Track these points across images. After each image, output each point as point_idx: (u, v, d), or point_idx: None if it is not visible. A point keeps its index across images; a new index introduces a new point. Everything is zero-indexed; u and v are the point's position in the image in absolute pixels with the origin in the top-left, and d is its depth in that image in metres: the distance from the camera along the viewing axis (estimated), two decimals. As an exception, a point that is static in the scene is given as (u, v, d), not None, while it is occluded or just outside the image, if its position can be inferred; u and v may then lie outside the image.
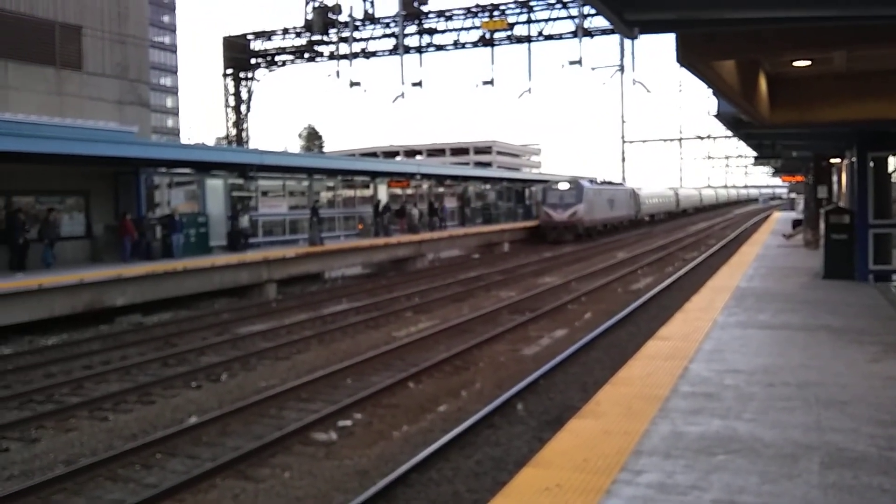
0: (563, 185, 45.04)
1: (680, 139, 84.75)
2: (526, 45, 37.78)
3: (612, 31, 36.42)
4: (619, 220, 53.23)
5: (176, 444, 9.19)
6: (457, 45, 39.08)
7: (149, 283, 20.01)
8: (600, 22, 36.78)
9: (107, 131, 23.73)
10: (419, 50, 38.99)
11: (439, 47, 39.31)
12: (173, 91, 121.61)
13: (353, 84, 38.24)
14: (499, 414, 9.97)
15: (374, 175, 35.56)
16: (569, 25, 36.98)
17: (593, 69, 64.41)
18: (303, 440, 9.24)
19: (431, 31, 38.99)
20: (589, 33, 36.70)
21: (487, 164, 71.02)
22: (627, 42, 36.40)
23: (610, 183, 55.06)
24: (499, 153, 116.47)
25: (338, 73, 38.04)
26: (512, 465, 8.16)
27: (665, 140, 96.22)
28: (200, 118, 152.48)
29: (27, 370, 13.70)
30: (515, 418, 9.91)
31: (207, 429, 9.74)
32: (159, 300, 20.40)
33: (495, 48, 37.96)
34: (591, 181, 49.42)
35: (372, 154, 77.72)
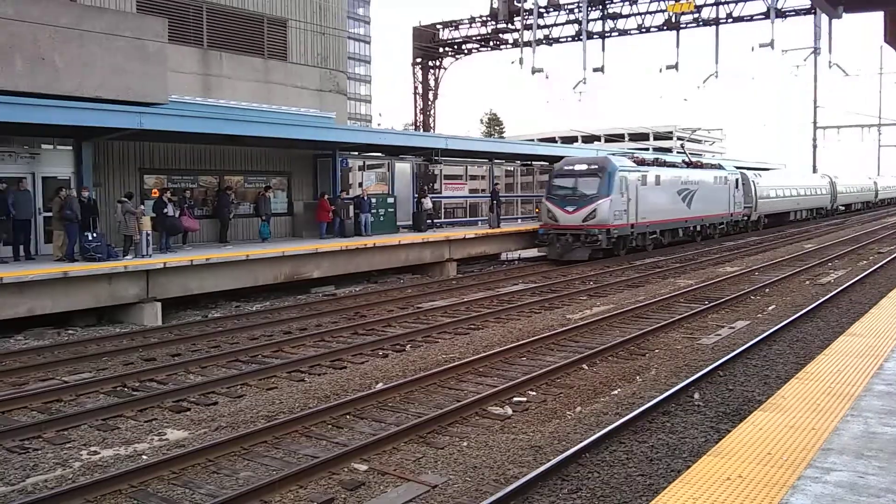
0: (581, 165, 27.83)
1: (879, 125, 76.96)
2: (713, 27, 36.22)
3: (807, 12, 34.05)
4: (710, 220, 34.97)
5: (364, 408, 9.86)
6: (641, 29, 38.14)
7: (342, 257, 21.42)
8: (794, 2, 34.53)
9: (308, 117, 25.46)
10: (602, 35, 38.44)
11: (622, 32, 38.53)
12: (366, 80, 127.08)
13: (535, 71, 38.33)
14: (674, 401, 9.86)
15: (552, 160, 35.57)
16: (759, 6, 35.05)
17: (784, 52, 59.48)
18: (480, 412, 9.61)
19: (615, 16, 38.30)
20: (782, 14, 34.54)
21: (668, 150, 68.43)
22: (823, 22, 33.77)
23: (694, 164, 35.19)
24: (679, 139, 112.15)
25: (521, 60, 38.22)
26: (687, 453, 8.09)
27: (862, 126, 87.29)
28: (390, 105, 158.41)
29: (234, 332, 15.15)
30: (691, 407, 9.76)
31: (392, 395, 10.37)
32: (350, 274, 21.78)
33: (681, 31, 36.64)
34: (639, 160, 30.44)
35: (551, 139, 77.24)
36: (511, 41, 42.60)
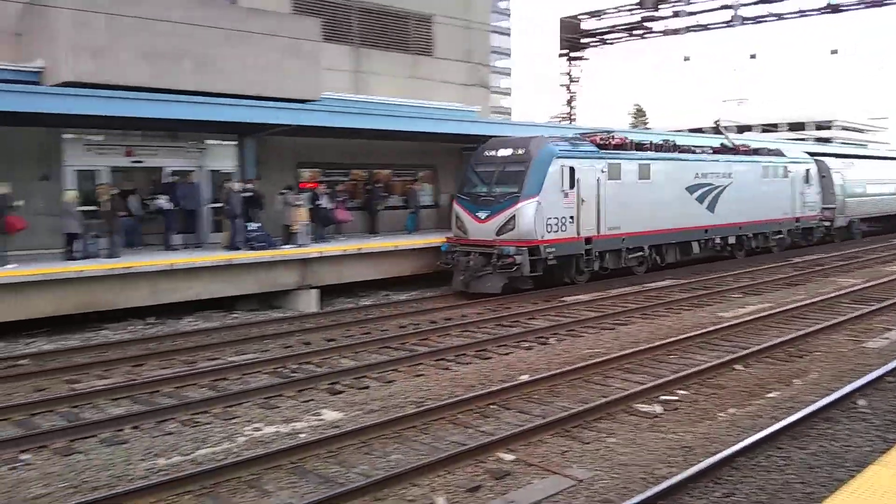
0: (505, 150, 19.15)
1: None
2: (879, 8, 33.59)
3: None
4: (754, 228, 25.60)
5: (509, 399, 9.96)
6: (799, 12, 35.89)
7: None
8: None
9: (453, 111, 25.84)
10: (756, 20, 36.52)
11: (779, 16, 36.35)
12: (506, 73, 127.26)
13: (685, 59, 37.05)
14: (837, 407, 9.33)
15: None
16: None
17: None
18: (627, 409, 9.48)
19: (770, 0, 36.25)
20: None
21: (827, 140, 64.06)
22: None
23: (731, 149, 25.87)
24: (842, 128, 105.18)
25: (669, 48, 36.97)
26: (850, 462, 7.66)
27: None
28: (530, 98, 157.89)
29: (383, 320, 15.67)
30: (856, 414, 9.20)
31: (537, 387, 10.41)
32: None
33: (843, 13, 34.23)
34: (604, 141, 20.54)
35: (698, 130, 74.46)
36: (659, 29, 41.35)
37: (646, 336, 13.77)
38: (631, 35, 43.23)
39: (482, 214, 18.40)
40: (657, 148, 22.14)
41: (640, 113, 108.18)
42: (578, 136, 20.88)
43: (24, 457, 8.20)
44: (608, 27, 43.93)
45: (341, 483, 7.29)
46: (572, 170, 18.70)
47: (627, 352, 12.14)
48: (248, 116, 17.74)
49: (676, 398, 9.96)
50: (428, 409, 9.36)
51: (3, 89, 14.59)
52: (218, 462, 7.84)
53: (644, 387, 10.16)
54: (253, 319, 16.17)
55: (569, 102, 45.65)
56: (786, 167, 27.46)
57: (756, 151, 26.90)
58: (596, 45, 44.90)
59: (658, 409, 9.55)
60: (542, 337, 13.78)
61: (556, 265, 18.57)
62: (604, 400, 9.63)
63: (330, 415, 9.56)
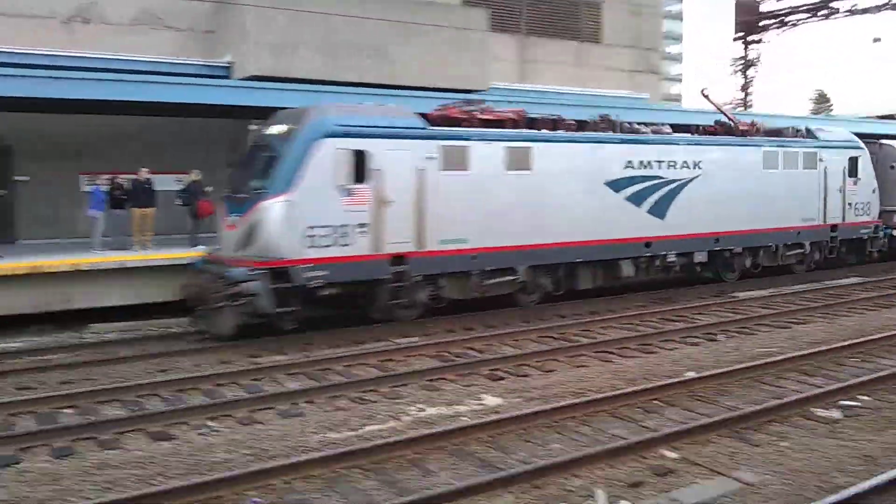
0: (279, 125, 13.76)
1: None
2: None
3: None
4: (757, 239, 18.84)
5: (674, 395, 9.68)
6: None
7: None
8: None
9: (620, 98, 25.28)
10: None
11: None
12: (678, 59, 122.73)
13: (875, 40, 34.17)
14: None
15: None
16: None
17: None
18: (802, 413, 8.95)
19: None
20: None
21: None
22: None
23: (719, 130, 19.19)
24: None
25: (856, 28, 34.21)
26: None
27: None
28: (701, 84, 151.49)
29: (543, 310, 15.60)
30: None
31: (704, 385, 10.04)
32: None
33: None
34: (451, 114, 14.89)
35: (888, 117, 68.35)
36: (846, 9, 38.42)
37: (824, 336, 12.93)
38: (815, 16, 40.50)
39: (231, 219, 13.42)
40: (554, 125, 15.78)
41: (822, 99, 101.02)
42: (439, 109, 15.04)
43: (210, 423, 8.92)
44: (789, 8, 41.36)
45: (501, 468, 7.40)
46: (361, 154, 13.08)
47: (804, 352, 11.46)
48: (427, 107, 18.18)
49: (858, 404, 9.30)
50: (589, 401, 9.28)
51: (197, 83, 15.85)
52: (384, 439, 8.16)
53: (822, 390, 9.58)
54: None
55: (743, 88, 43.42)
56: (811, 154, 19.73)
57: (778, 132, 20.07)
58: (775, 28, 42.40)
59: (837, 414, 8.96)
60: (709, 333, 13.29)
61: (335, 295, 13.33)
62: (777, 402, 9.16)
63: (491, 400, 9.70)
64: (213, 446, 8.15)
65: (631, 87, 27.62)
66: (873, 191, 21.45)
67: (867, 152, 21.43)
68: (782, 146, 19.39)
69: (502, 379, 10.67)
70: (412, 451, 7.78)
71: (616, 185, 16.20)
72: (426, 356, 11.99)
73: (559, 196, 15.36)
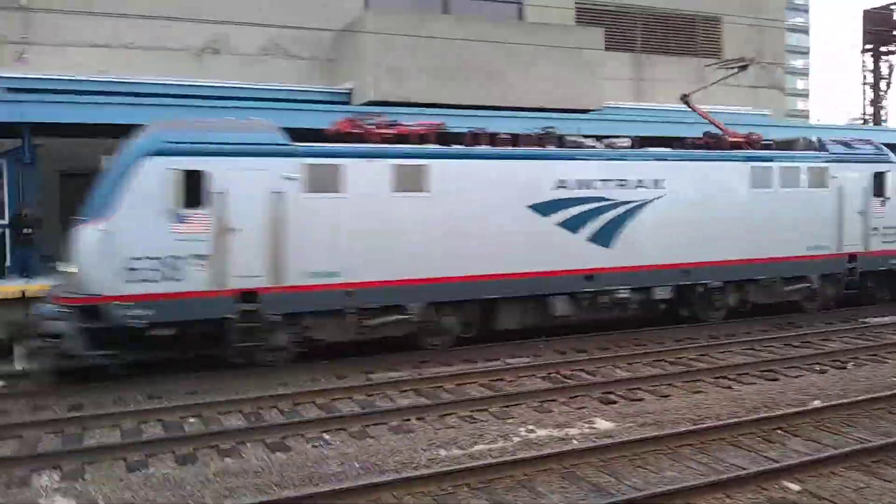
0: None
1: None
2: None
3: None
4: (741, 270, 15.80)
5: (798, 424, 9.20)
6: None
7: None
8: None
9: (741, 115, 24.48)
10: None
11: None
12: (804, 73, 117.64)
13: None
14: None
15: None
16: None
17: None
18: (942, 448, 8.34)
19: None
20: None
21: None
22: None
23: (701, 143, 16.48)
24: None
25: None
26: None
27: None
28: (829, 98, 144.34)
29: (659, 333, 15.18)
30: None
31: (831, 415, 9.51)
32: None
33: None
34: (354, 125, 13.35)
35: None
36: None
37: (970, 367, 12.01)
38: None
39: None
40: (475, 140, 13.75)
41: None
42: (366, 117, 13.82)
43: (325, 436, 9.16)
44: (928, 16, 39.00)
45: (612, 493, 7.24)
46: (196, 175, 11.53)
47: (944, 384, 10.68)
48: (532, 128, 18.23)
49: None
50: (706, 428, 8.97)
51: (318, 109, 16.48)
52: (494, 458, 8.14)
53: (966, 425, 8.88)
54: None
55: (873, 103, 41.10)
56: (820, 170, 16.53)
57: (788, 145, 17.19)
58: (912, 38, 40.01)
59: (983, 452, 8.27)
60: (837, 360, 12.58)
61: (171, 337, 11.59)
62: (912, 435, 8.56)
63: (602, 424, 9.52)
64: (327, 459, 8.36)
65: (753, 104, 26.71)
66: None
67: (882, 164, 17.61)
68: (778, 161, 16.22)
69: (615, 403, 10.46)
70: (521, 473, 7.73)
71: (544, 208, 13.88)
72: (537, 377, 11.90)
73: (465, 222, 13.25)
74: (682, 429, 9.00)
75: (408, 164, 12.90)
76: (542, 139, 14.34)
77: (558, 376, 11.93)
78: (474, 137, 13.80)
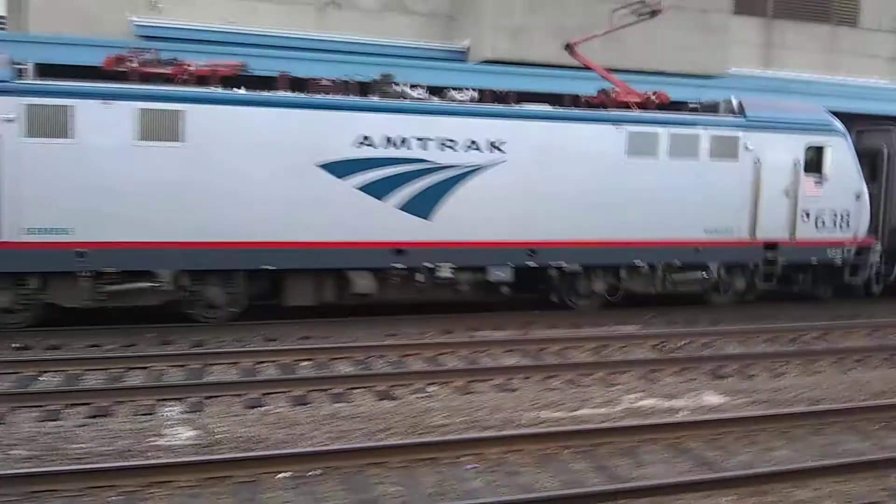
0: None
1: None
2: None
3: None
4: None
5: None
6: None
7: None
8: None
9: (877, 89, 22.98)
10: None
11: None
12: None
13: None
14: None
15: None
16: None
17: None
18: None
19: None
20: None
21: None
22: None
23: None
24: None
25: None
26: None
27: None
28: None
29: (775, 312, 14.63)
30: None
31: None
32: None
33: None
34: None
35: None
36: None
37: None
38: None
39: None
40: (270, 86, 12.09)
41: None
42: None
43: (430, 389, 9.34)
44: None
45: (720, 468, 7.10)
46: None
47: None
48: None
49: None
50: (823, 411, 8.64)
51: (434, 67, 16.48)
52: (597, 424, 8.10)
53: None
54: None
55: None
56: (728, 139, 13.99)
57: (711, 108, 14.67)
58: None
59: None
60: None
61: None
62: None
63: (711, 398, 9.30)
64: (432, 410, 8.52)
65: (892, 76, 25.00)
66: (857, 196, 14.76)
67: (846, 139, 14.85)
68: (667, 125, 13.60)
69: (726, 378, 10.20)
70: (626, 440, 7.66)
71: (340, 168, 11.92)
72: (643, 348, 11.72)
73: (231, 179, 11.46)
74: (797, 410, 8.69)
75: (157, 108, 11.16)
76: (348, 86, 12.34)
77: (666, 346, 11.71)
78: (279, 83, 12.08)
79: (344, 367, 10.24)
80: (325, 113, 11.93)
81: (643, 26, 19.33)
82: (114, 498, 6.17)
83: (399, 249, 12.28)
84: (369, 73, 13.09)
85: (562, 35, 18.80)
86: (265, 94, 11.84)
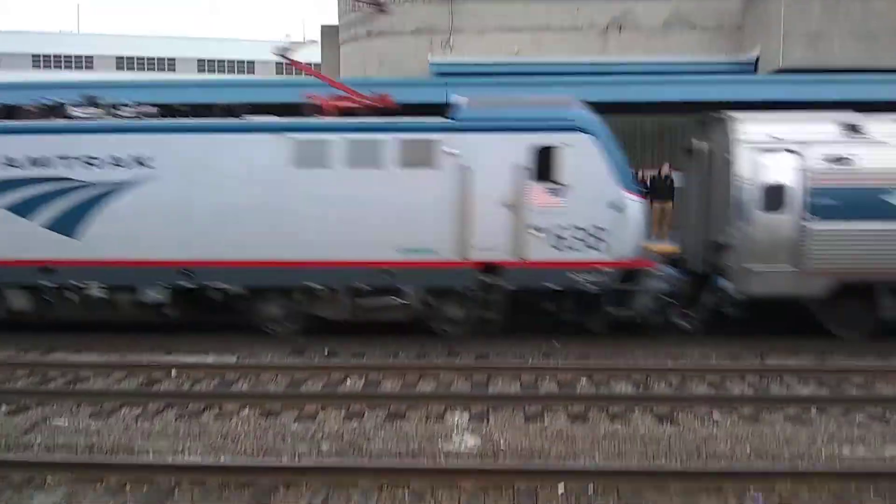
0: None
1: None
2: None
3: None
4: None
5: None
6: None
7: None
8: None
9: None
10: None
11: None
12: None
13: None
14: None
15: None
16: None
17: None
18: None
19: None
20: None
21: None
22: None
23: None
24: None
25: None
26: None
27: None
28: None
29: None
30: None
31: None
32: None
33: None
34: None
35: None
36: None
37: None
38: None
39: None
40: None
41: None
42: None
43: (715, 416, 8.96)
44: None
45: None
46: None
47: None
48: (855, 93, 15.59)
49: None
50: None
51: (722, 80, 15.89)
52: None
53: None
54: None
55: None
56: (423, 143, 11.83)
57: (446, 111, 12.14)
58: None
59: None
60: None
61: None
62: None
63: None
64: (715, 438, 8.21)
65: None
66: (615, 207, 11.65)
67: (590, 139, 11.74)
68: (342, 131, 12.02)
69: None
70: None
71: None
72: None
73: None
74: None
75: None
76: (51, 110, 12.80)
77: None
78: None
79: (623, 387, 10.16)
80: None
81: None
82: (406, 495, 6.76)
83: (46, 268, 12.47)
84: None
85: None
86: None
